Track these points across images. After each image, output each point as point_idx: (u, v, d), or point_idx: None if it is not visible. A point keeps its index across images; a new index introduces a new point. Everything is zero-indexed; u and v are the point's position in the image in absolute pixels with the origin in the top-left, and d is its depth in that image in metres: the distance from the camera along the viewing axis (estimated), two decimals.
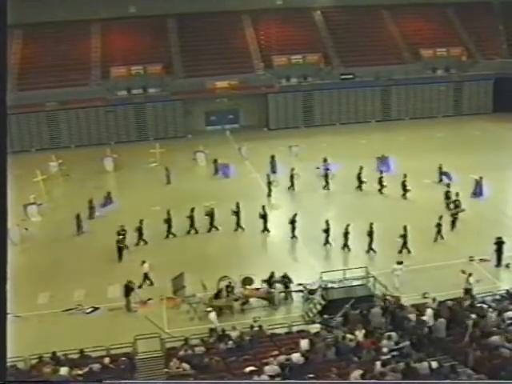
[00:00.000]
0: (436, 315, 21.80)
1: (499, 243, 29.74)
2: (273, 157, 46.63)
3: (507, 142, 52.32)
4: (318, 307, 25.97)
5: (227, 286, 27.33)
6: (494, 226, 33.70)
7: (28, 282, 28.99)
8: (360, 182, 41.30)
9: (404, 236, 31.62)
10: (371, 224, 31.74)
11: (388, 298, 25.01)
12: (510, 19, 67.00)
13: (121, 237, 32.88)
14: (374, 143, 52.40)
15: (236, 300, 27.11)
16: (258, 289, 27.81)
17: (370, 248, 31.81)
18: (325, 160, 44.36)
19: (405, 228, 31.67)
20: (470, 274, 26.44)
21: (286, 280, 27.76)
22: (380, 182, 40.75)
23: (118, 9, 61.92)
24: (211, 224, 35.63)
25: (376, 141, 53.61)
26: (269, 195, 41.09)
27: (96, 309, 27.67)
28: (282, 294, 27.80)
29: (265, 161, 46.87)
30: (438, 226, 32.90)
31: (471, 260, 30.20)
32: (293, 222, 33.99)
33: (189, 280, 28.65)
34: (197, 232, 35.52)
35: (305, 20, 66.77)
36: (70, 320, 26.88)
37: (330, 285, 26.53)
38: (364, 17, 66.24)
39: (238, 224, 35.75)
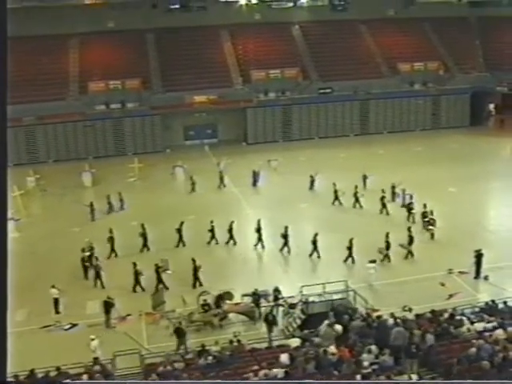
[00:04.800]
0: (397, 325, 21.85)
1: (478, 255, 29.92)
2: (254, 171, 46.80)
3: (484, 155, 52.99)
4: (298, 321, 25.88)
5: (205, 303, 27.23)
6: (471, 239, 33.93)
7: None
8: (336, 197, 41.51)
9: (387, 245, 32.09)
10: (351, 239, 31.93)
11: (368, 311, 25.03)
12: (486, 34, 67.96)
13: (86, 254, 32.41)
14: (353, 157, 52.70)
15: (215, 315, 26.94)
16: (237, 304, 27.67)
17: (348, 259, 32.12)
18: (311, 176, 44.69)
19: (387, 235, 32.33)
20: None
21: (276, 293, 27.67)
22: (355, 196, 40.97)
23: (96, 23, 61.87)
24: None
25: (355, 154, 53.92)
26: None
27: (74, 325, 27.37)
28: (267, 309, 27.72)
29: (243, 175, 47.02)
30: (410, 237, 33.16)
31: (450, 272, 30.40)
32: (285, 235, 33.91)
33: (168, 295, 28.54)
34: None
35: (283, 34, 67.22)
36: (48, 337, 26.55)
37: (310, 299, 26.44)
38: (342, 31, 67.02)
39: (212, 239, 35.80)
